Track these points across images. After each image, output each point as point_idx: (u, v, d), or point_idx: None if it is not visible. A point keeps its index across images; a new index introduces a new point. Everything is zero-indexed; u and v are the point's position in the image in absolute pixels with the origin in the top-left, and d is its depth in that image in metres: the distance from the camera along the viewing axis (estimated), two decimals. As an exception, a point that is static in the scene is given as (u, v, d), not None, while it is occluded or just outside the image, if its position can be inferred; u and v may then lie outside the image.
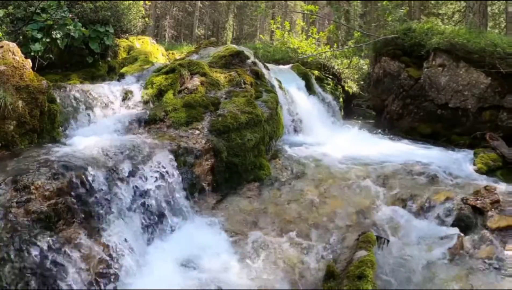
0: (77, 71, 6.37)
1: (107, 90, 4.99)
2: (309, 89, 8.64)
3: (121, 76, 6.06)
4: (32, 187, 2.82)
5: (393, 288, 3.13)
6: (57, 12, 5.66)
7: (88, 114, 4.63)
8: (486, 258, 3.46)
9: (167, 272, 3.17)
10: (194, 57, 7.01)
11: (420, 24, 8.87)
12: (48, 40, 5.61)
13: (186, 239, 3.66)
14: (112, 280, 2.94)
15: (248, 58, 6.77)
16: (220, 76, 5.91)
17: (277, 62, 10.82)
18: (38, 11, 5.60)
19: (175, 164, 4.00)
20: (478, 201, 3.98)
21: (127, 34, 8.34)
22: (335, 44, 15.94)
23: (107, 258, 2.98)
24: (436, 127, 7.33)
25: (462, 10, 14.08)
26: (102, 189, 3.21)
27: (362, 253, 3.20)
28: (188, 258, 3.37)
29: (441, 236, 3.75)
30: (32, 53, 5.36)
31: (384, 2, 15.72)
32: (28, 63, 3.86)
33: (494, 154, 5.41)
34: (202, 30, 28.30)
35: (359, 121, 10.48)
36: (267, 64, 7.89)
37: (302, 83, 8.55)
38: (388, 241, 3.59)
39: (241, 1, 28.26)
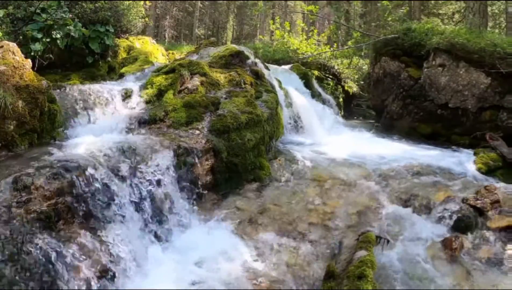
0: (77, 71, 6.37)
1: (107, 90, 4.99)
2: (309, 89, 8.65)
3: (121, 76, 6.06)
4: (32, 187, 2.82)
5: (393, 288, 3.13)
6: (57, 12, 5.66)
7: (88, 114, 4.63)
8: (486, 258, 3.46)
9: (167, 272, 3.17)
10: (194, 57, 7.01)
11: (420, 24, 8.88)
12: (48, 40, 5.61)
13: (186, 239, 3.66)
14: (111, 280, 2.93)
15: (248, 58, 6.77)
16: (220, 76, 5.91)
17: (277, 62, 10.83)
18: (38, 11, 5.60)
19: (175, 164, 4.00)
20: (478, 201, 3.98)
21: (127, 34, 8.35)
22: (335, 44, 15.94)
23: (107, 258, 2.97)
24: (436, 127, 7.33)
25: (462, 11, 14.08)
26: (102, 189, 3.21)
27: (362, 253, 3.20)
28: (187, 258, 3.36)
29: (441, 236, 3.75)
30: (32, 53, 5.37)
31: (384, 2, 15.73)
32: (28, 63, 3.86)
33: (494, 154, 5.41)
34: (202, 30, 28.31)
35: (359, 121, 10.48)
36: (267, 64, 7.89)
37: (302, 83, 8.56)
38: (388, 241, 3.59)
39: (241, 1, 28.26)
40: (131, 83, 5.57)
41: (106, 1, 6.77)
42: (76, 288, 2.68)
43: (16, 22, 5.56)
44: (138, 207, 3.47)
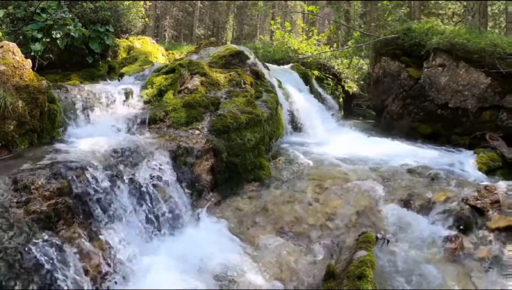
0: (77, 71, 6.36)
1: (107, 90, 4.99)
2: (309, 89, 8.65)
3: (121, 76, 6.05)
4: (32, 187, 2.82)
5: (393, 288, 3.13)
6: (57, 12, 5.66)
7: (88, 114, 4.62)
8: (486, 258, 3.46)
9: (166, 273, 3.17)
10: (194, 57, 7.01)
11: (420, 24, 8.88)
12: (48, 40, 5.60)
13: (186, 239, 3.66)
14: (111, 280, 2.94)
15: (248, 58, 6.77)
16: (220, 76, 5.91)
17: (277, 62, 10.83)
18: (38, 11, 5.59)
19: (175, 164, 4.00)
20: (478, 201, 3.98)
21: (127, 34, 8.35)
22: (335, 44, 15.95)
23: (107, 258, 2.98)
24: (436, 127, 7.33)
25: (462, 11, 14.09)
26: (101, 189, 3.21)
27: (362, 253, 3.20)
28: (188, 258, 3.36)
29: (441, 236, 3.75)
30: (32, 53, 5.36)
31: (384, 2, 15.72)
32: (28, 63, 3.85)
33: (494, 154, 5.41)
34: (202, 30, 28.32)
35: (359, 121, 10.48)
36: (267, 64, 7.89)
37: (302, 83, 8.56)
38: (388, 241, 3.59)
39: (241, 1, 28.27)
40: (131, 83, 5.57)
41: (106, 1, 6.77)
42: (76, 288, 2.68)
43: (16, 22, 5.55)
44: (137, 207, 3.47)
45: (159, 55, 9.33)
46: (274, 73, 7.53)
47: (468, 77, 6.78)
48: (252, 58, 6.88)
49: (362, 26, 19.43)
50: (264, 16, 27.63)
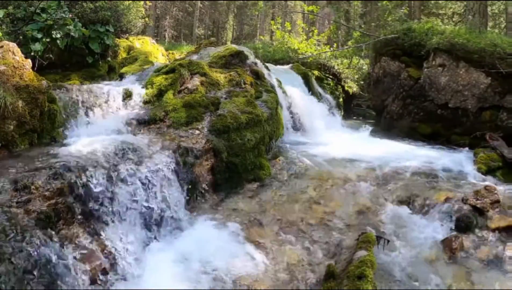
0: (77, 71, 6.37)
1: (107, 90, 4.99)
2: (309, 89, 8.65)
3: (121, 76, 6.06)
4: (32, 187, 2.82)
5: (393, 288, 3.13)
6: (57, 12, 5.66)
7: (88, 114, 4.62)
8: (486, 258, 3.46)
9: (167, 273, 3.17)
10: (194, 57, 7.01)
11: (420, 24, 8.88)
12: (48, 40, 5.61)
13: (187, 239, 3.66)
14: (111, 280, 2.94)
15: (248, 58, 6.77)
16: (220, 76, 5.91)
17: (277, 62, 10.84)
18: (38, 11, 5.60)
19: (175, 164, 4.00)
20: (478, 201, 3.98)
21: (127, 34, 8.36)
22: (335, 44, 15.96)
23: (107, 258, 2.98)
24: (436, 127, 7.33)
25: (462, 11, 14.08)
26: (101, 190, 3.21)
27: (362, 253, 3.20)
28: (189, 258, 3.36)
29: (441, 236, 3.75)
30: (32, 53, 5.36)
31: (384, 2, 15.74)
32: (28, 63, 3.86)
33: (494, 154, 5.41)
34: (202, 30, 28.32)
35: (359, 121, 10.49)
36: (267, 64, 7.89)
37: (302, 83, 8.56)
38: (388, 241, 3.59)
39: (241, 1, 28.27)
40: (131, 83, 5.57)
41: (106, 1, 6.78)
42: (75, 288, 2.68)
43: (16, 22, 5.56)
44: (137, 207, 3.47)
45: (159, 55, 9.34)
46: (274, 73, 7.53)
47: (468, 77, 6.78)
48: (252, 58, 6.88)
49: (362, 26, 19.44)
50: (264, 16, 27.63)
